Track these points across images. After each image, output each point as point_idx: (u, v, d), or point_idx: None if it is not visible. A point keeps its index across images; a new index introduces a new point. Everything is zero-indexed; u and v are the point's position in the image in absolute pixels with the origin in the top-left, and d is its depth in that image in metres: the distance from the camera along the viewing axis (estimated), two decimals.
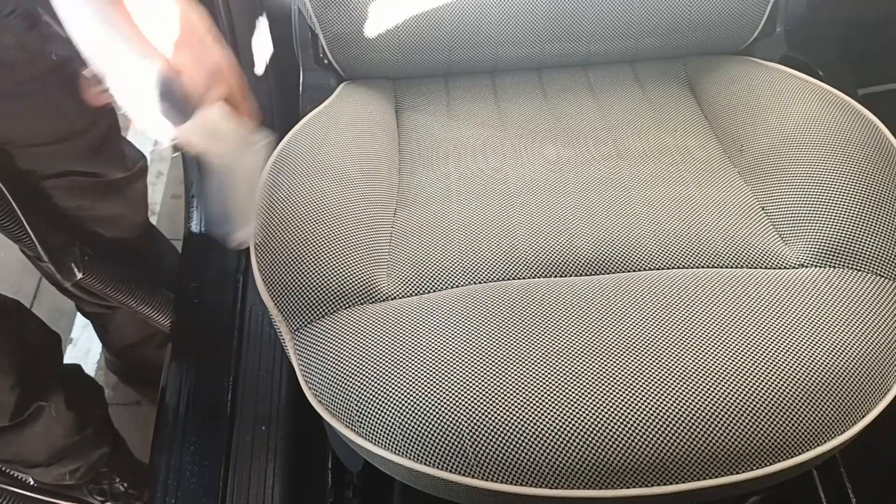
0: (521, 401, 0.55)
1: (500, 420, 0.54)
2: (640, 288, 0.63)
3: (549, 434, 0.53)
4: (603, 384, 0.55)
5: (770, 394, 0.55)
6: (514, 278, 0.67)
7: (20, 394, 0.84)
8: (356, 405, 0.58)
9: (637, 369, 0.56)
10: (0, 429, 0.85)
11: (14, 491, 0.82)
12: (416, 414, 0.55)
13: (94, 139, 0.91)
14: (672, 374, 0.56)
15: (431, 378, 0.57)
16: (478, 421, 0.54)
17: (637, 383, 0.55)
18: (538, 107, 0.85)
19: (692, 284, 0.63)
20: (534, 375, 0.56)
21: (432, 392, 0.56)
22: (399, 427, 0.56)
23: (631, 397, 0.55)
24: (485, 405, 0.55)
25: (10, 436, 0.87)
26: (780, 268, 0.66)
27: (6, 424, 0.85)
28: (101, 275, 0.98)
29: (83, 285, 0.97)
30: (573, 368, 0.56)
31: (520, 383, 0.56)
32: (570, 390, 0.55)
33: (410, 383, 0.57)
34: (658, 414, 0.54)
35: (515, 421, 0.54)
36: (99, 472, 1.04)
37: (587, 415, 0.54)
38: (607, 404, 0.54)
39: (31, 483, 0.94)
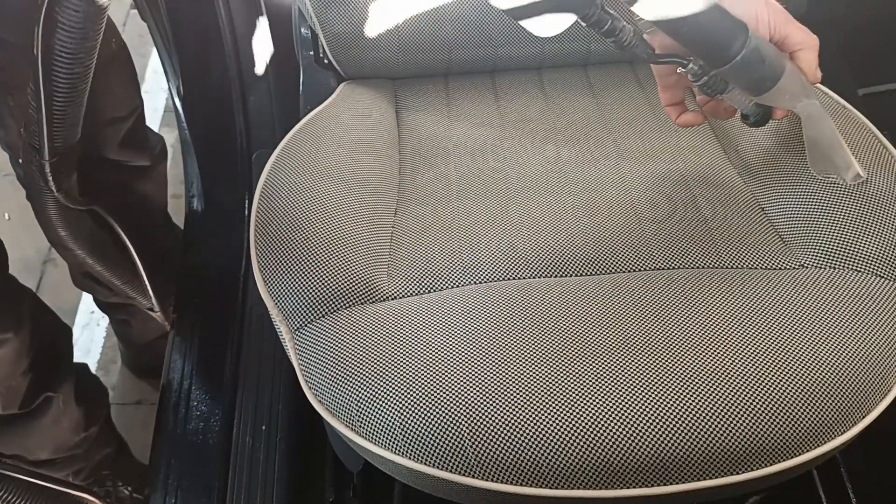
0: (522, 401, 0.55)
1: (500, 420, 0.54)
2: (640, 288, 0.63)
3: (550, 434, 0.53)
4: (603, 384, 0.55)
5: (770, 394, 0.55)
6: (514, 278, 0.67)
7: (31, 381, 0.84)
8: (356, 405, 0.58)
9: (637, 369, 0.56)
10: (10, 417, 0.86)
11: (22, 479, 0.83)
12: (416, 414, 0.55)
13: (129, 126, 0.93)
14: (672, 375, 0.56)
15: (431, 378, 0.57)
16: (478, 421, 0.54)
17: (637, 383, 0.55)
18: (538, 106, 0.85)
19: (692, 284, 0.63)
20: (534, 375, 0.56)
21: (432, 392, 0.56)
22: (399, 427, 0.56)
23: (631, 397, 0.55)
24: (485, 405, 0.55)
25: (18, 426, 0.88)
26: (780, 268, 0.66)
27: (16, 412, 0.85)
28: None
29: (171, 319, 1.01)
30: (573, 368, 0.56)
31: (520, 383, 0.56)
32: (570, 390, 0.55)
33: (410, 383, 0.57)
34: (658, 414, 0.54)
35: (515, 421, 0.54)
36: (102, 473, 1.04)
37: (587, 415, 0.54)
38: (607, 404, 0.54)
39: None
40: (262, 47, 1.07)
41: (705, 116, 0.65)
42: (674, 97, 0.64)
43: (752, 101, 0.61)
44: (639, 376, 0.56)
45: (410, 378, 0.57)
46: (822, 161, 0.66)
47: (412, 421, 0.55)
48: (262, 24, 1.06)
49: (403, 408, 0.56)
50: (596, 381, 0.56)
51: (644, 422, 0.54)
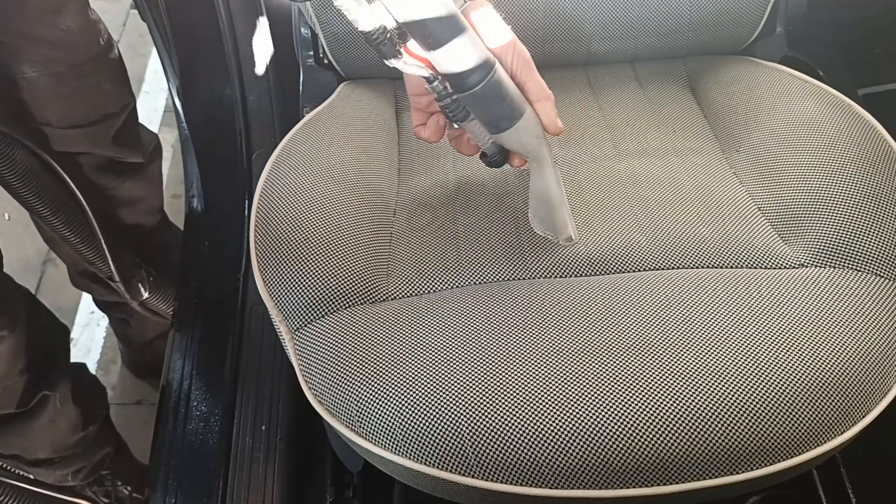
0: (522, 401, 0.55)
1: (500, 420, 0.54)
2: (640, 288, 0.63)
3: (550, 434, 0.53)
4: (603, 384, 0.55)
5: (770, 394, 0.55)
6: (514, 278, 0.67)
7: (28, 380, 0.84)
8: (356, 405, 0.58)
9: (637, 369, 0.56)
10: (7, 417, 0.86)
11: (21, 486, 0.82)
12: (416, 414, 0.55)
13: (121, 123, 0.93)
14: (672, 374, 0.56)
15: (431, 378, 0.57)
16: (478, 421, 0.54)
17: (637, 383, 0.55)
18: None
19: (692, 284, 0.63)
20: (534, 375, 0.56)
21: (432, 392, 0.56)
22: (399, 427, 0.56)
23: (631, 397, 0.55)
24: (485, 405, 0.55)
25: (16, 426, 0.88)
26: (780, 268, 0.66)
27: (13, 411, 0.85)
28: (165, 294, 1.00)
29: (147, 304, 0.99)
30: (573, 368, 0.56)
31: (520, 383, 0.56)
32: (570, 390, 0.55)
33: (410, 383, 0.57)
34: (658, 414, 0.54)
35: (515, 421, 0.54)
36: (101, 473, 1.04)
37: (587, 415, 0.54)
38: (607, 404, 0.54)
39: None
40: (262, 47, 1.07)
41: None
42: (424, 119, 0.64)
43: (490, 139, 0.61)
44: (639, 376, 0.56)
45: (410, 378, 0.57)
46: (541, 216, 0.67)
47: (412, 421, 0.55)
48: (262, 24, 1.05)
49: (403, 408, 0.56)
50: (596, 381, 0.56)
51: (644, 422, 0.54)
